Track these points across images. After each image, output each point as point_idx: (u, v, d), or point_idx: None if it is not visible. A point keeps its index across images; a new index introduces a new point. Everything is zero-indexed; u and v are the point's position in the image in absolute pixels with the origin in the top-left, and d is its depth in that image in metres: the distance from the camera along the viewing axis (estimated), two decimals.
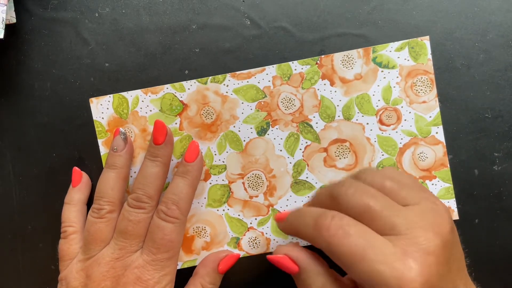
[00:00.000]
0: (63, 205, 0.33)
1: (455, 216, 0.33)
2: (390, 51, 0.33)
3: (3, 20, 0.31)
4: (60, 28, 0.34)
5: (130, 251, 0.30)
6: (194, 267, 0.33)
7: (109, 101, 0.33)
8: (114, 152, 0.32)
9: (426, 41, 0.33)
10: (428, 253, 0.22)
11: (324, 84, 0.33)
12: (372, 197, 0.24)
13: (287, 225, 0.28)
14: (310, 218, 0.25)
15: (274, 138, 0.33)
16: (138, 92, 0.33)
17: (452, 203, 0.33)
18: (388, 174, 0.26)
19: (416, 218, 0.24)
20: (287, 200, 0.33)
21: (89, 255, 0.30)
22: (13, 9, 0.33)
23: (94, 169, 0.34)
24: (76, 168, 0.33)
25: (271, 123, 0.33)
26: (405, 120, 0.33)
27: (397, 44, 0.33)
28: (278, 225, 0.29)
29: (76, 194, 0.33)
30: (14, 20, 0.33)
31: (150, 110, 0.33)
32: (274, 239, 0.33)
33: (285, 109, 0.33)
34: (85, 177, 0.33)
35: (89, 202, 0.33)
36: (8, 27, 0.33)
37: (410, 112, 0.33)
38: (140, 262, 0.29)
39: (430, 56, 0.33)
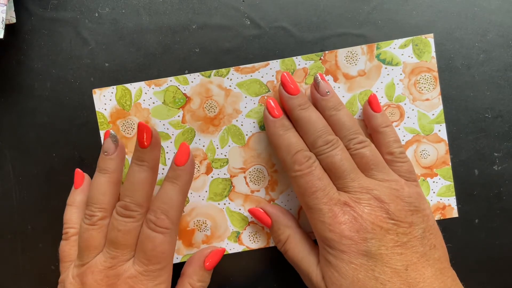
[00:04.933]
0: (63, 205, 0.33)
1: (455, 214, 0.33)
2: (394, 48, 0.33)
3: (3, 20, 0.31)
4: (60, 28, 0.34)
5: (123, 260, 0.29)
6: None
7: (112, 93, 0.33)
8: (105, 155, 0.31)
9: (430, 38, 0.33)
10: (361, 213, 0.28)
11: (328, 80, 0.33)
12: (347, 160, 0.29)
13: (276, 139, 0.31)
14: (293, 149, 0.30)
15: None
16: (142, 84, 0.33)
17: (452, 201, 0.33)
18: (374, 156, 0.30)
19: (370, 186, 0.29)
20: (288, 195, 0.33)
21: (83, 261, 0.30)
22: (13, 9, 0.33)
23: (95, 169, 0.34)
24: (78, 170, 0.33)
25: None
26: (408, 117, 0.33)
27: (401, 41, 0.33)
28: (267, 124, 0.31)
29: (78, 196, 0.32)
30: (14, 20, 0.33)
31: (153, 103, 0.33)
32: None
33: None
34: (87, 178, 0.33)
35: None
36: (8, 27, 0.33)
37: (413, 110, 0.33)
38: (133, 272, 0.29)
39: (434, 54, 0.33)
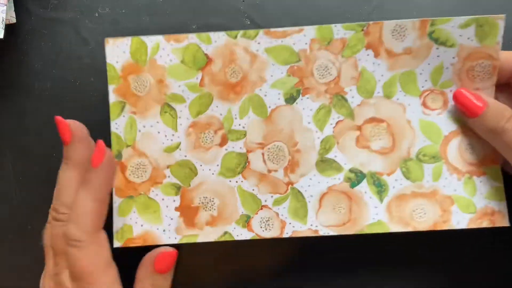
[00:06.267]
0: None
1: (506, 223, 0.29)
2: (452, 27, 0.28)
3: (3, 20, 0.31)
4: (60, 28, 0.34)
5: (63, 267, 0.27)
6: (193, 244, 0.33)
7: (127, 44, 0.30)
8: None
9: (500, 20, 0.28)
10: None
11: (367, 55, 0.29)
12: None
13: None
14: None
15: (303, 108, 0.30)
16: (160, 38, 0.30)
17: (502, 207, 0.29)
18: None
19: None
20: (310, 179, 0.30)
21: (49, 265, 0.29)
22: (13, 9, 0.33)
23: None
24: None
25: (302, 91, 0.30)
26: (453, 105, 0.29)
27: (461, 19, 0.28)
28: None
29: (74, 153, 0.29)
30: (14, 20, 0.33)
31: (170, 60, 0.30)
32: (290, 223, 0.29)
33: (320, 78, 0.30)
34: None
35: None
36: (8, 27, 0.33)
37: None
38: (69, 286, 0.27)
39: (500, 39, 0.28)
